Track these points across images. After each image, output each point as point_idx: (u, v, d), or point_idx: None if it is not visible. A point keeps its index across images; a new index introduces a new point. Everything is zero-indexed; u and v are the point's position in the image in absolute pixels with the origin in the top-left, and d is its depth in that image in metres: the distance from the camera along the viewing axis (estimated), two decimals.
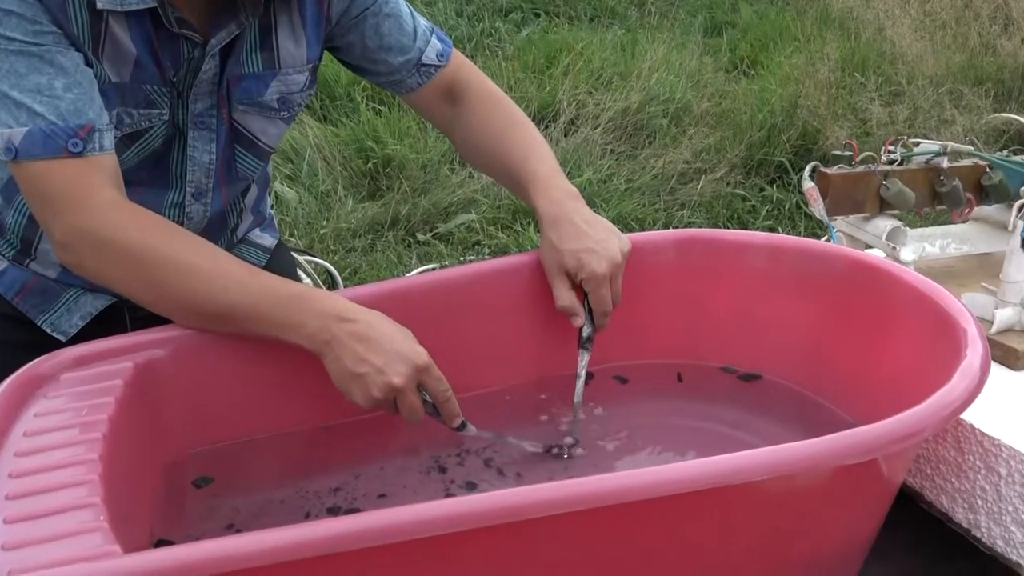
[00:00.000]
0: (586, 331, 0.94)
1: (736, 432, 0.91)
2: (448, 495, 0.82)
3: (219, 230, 1.06)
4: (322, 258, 2.16)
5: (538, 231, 0.98)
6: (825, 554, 0.75)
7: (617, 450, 0.89)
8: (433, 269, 2.42)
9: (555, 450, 0.88)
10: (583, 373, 0.93)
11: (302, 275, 1.73)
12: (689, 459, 0.83)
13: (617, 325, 0.96)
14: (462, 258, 2.72)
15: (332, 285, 1.97)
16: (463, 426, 0.85)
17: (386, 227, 2.85)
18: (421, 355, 0.81)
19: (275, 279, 0.83)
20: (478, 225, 2.85)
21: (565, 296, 0.93)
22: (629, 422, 0.93)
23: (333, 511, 0.81)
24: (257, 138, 0.99)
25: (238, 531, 0.78)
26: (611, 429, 0.92)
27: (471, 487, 0.84)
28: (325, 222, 2.85)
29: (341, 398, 0.82)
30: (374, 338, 0.80)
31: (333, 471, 0.86)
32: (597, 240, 0.92)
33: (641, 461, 0.87)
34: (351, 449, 0.90)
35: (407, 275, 2.23)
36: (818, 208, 1.17)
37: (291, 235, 2.76)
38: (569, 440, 0.90)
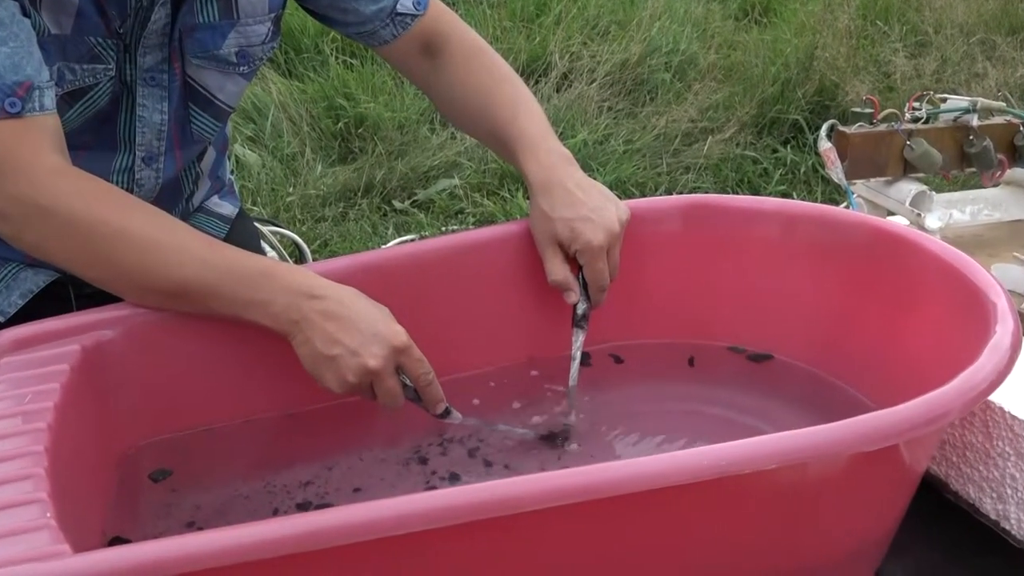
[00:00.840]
0: (581, 308, 0.94)
1: (744, 417, 0.92)
2: (429, 488, 0.83)
3: (173, 198, 1.05)
4: (288, 228, 2.15)
5: (527, 198, 0.98)
6: (840, 550, 0.76)
7: (615, 438, 0.90)
8: (412, 240, 2.42)
9: (547, 438, 0.89)
10: (578, 354, 0.94)
11: (266, 247, 1.73)
12: (692, 447, 0.84)
13: (615, 301, 0.96)
14: (444, 228, 2.72)
15: (300, 258, 1.97)
16: (447, 412, 0.85)
17: (359, 194, 2.84)
18: (399, 335, 0.81)
19: (237, 252, 0.83)
20: (461, 191, 2.84)
21: (558, 270, 0.93)
22: (628, 407, 0.94)
23: (303, 507, 0.82)
24: (214, 96, 0.99)
25: (199, 529, 0.79)
26: (608, 415, 0.93)
27: (455, 479, 0.84)
28: (291, 189, 2.83)
29: (312, 383, 0.82)
30: (347, 317, 0.80)
31: (303, 463, 0.87)
32: (592, 208, 0.92)
33: (641, 449, 0.88)
34: (323, 439, 0.90)
35: (383, 247, 2.23)
36: (836, 171, 1.18)
37: (254, 203, 2.75)
38: (562, 427, 0.90)
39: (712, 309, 1.02)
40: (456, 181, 2.87)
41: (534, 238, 0.95)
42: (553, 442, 0.88)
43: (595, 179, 0.97)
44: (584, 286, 0.94)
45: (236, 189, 1.21)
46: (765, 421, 0.91)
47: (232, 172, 1.23)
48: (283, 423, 0.92)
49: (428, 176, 2.92)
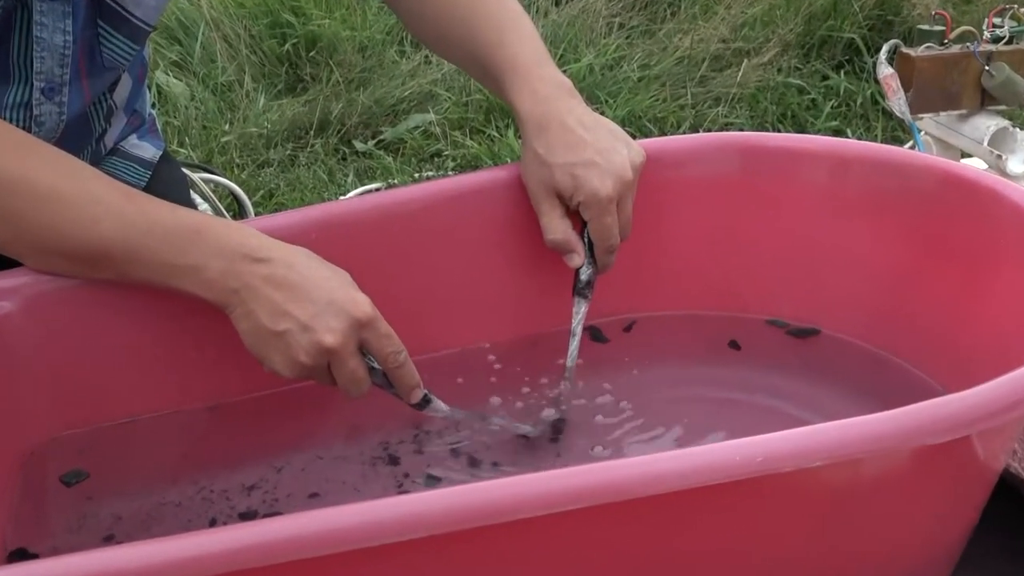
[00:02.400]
0: (585, 273, 0.94)
1: (783, 404, 0.93)
2: (402, 493, 0.84)
3: (80, 138, 1.05)
4: (224, 175, 2.15)
5: (519, 137, 0.98)
6: (900, 563, 0.77)
7: (627, 431, 0.90)
8: (377, 190, 2.41)
9: (545, 432, 0.90)
10: (579, 329, 0.94)
11: (197, 199, 1.72)
12: (720, 440, 0.85)
13: (627, 265, 0.97)
14: (417, 174, 2.72)
15: (239, 212, 1.97)
16: (426, 401, 0.85)
17: (312, 133, 2.83)
18: (361, 305, 0.81)
19: (162, 206, 0.83)
20: (438, 129, 2.83)
21: (556, 226, 0.93)
22: (642, 393, 0.95)
23: (247, 516, 0.82)
24: (129, 12, 0.98)
25: (119, 543, 0.80)
26: (618, 403, 0.93)
27: (433, 482, 0.85)
28: (228, 126, 2.82)
29: (256, 366, 0.83)
30: (297, 284, 0.80)
31: (247, 463, 0.87)
32: (599, 150, 0.92)
33: (657, 444, 0.89)
34: (271, 433, 0.91)
35: (341, 198, 2.22)
36: (898, 103, 1.18)
37: (181, 145, 2.74)
38: (557, 416, 0.91)
39: (746, 273, 1.03)
40: (431, 116, 2.86)
41: (527, 188, 0.95)
42: (552, 436, 0.89)
43: (602, 114, 0.97)
44: (589, 246, 0.94)
45: (159, 127, 1.21)
46: (809, 409, 0.92)
47: (154, 106, 1.23)
48: (221, 414, 0.92)
49: (397, 110, 2.91)
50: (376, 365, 0.83)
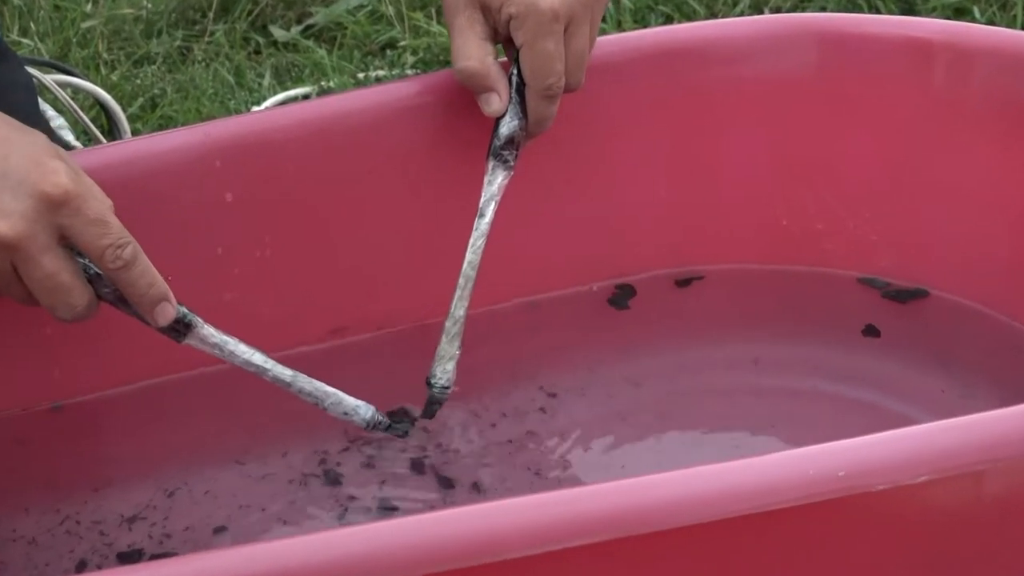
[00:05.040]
0: (507, 126, 0.90)
1: (877, 395, 0.94)
2: (345, 525, 0.85)
3: None
4: (87, 77, 2.14)
5: None
6: None
7: (654, 435, 0.92)
8: (306, 97, 2.41)
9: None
10: (489, 210, 0.89)
11: (49, 110, 1.72)
12: (788, 447, 0.85)
13: (664, 200, 0.98)
14: (362, 74, 2.71)
15: (109, 129, 1.96)
16: (186, 327, 0.79)
17: (211, 15, 2.82)
18: (55, 174, 0.75)
19: None
20: (391, 9, 2.82)
21: (472, 49, 0.89)
22: (675, 380, 0.96)
23: (128, 558, 0.83)
24: None
25: None
26: (638, 391, 0.95)
27: (387, 510, 0.86)
28: (90, 7, 2.81)
29: (142, 347, 0.83)
30: None
31: (127, 483, 0.88)
32: None
33: (698, 452, 0.90)
34: (159, 440, 0.92)
35: (255, 109, 2.21)
36: None
37: (24, 34, 2.72)
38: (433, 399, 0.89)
39: (827, 213, 1.04)
40: None
41: (443, 4, 0.92)
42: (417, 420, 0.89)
43: None
44: (519, 86, 0.90)
45: None
46: (911, 401, 0.93)
47: None
48: (88, 412, 0.93)
49: None
50: (100, 271, 0.77)
